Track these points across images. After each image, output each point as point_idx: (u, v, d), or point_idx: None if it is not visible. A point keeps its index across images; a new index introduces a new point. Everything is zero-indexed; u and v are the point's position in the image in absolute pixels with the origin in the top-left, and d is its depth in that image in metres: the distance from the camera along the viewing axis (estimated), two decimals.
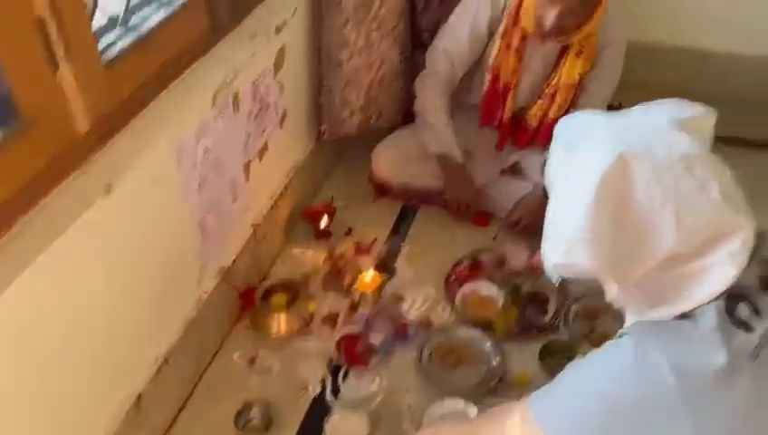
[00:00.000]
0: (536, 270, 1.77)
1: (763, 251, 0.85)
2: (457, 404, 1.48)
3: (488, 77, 1.92)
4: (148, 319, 1.38)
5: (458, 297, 1.77)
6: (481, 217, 2.03)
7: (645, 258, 0.84)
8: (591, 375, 0.88)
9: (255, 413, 1.51)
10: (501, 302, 1.74)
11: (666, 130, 0.87)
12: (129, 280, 1.29)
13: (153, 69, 1.35)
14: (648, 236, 0.83)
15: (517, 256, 1.85)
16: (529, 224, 1.88)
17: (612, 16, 1.81)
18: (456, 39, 1.91)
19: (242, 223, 1.72)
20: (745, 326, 0.80)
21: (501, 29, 1.84)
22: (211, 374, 1.62)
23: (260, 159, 1.74)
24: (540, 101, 1.91)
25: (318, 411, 1.53)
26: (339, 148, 2.25)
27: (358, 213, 2.08)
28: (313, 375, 1.60)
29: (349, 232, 2.00)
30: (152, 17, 1.37)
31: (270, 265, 1.90)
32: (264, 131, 1.73)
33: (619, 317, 0.98)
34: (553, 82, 1.87)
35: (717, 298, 0.82)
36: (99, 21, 1.26)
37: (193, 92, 1.40)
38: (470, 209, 1.99)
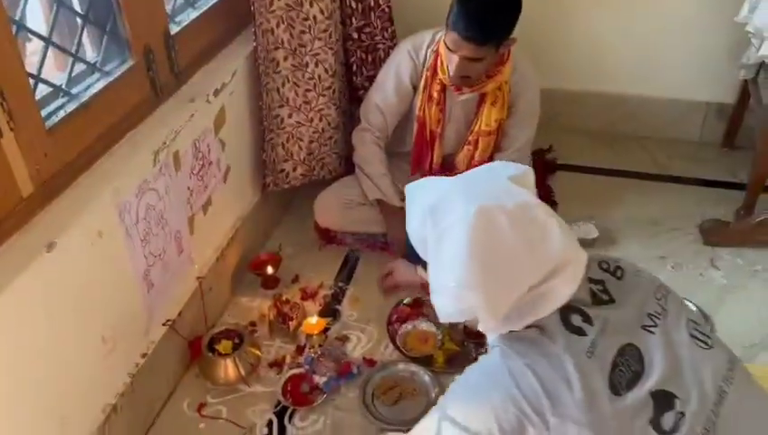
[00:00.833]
0: None
1: (590, 273, 1.08)
2: None
3: (416, 126, 2.06)
4: (96, 370, 1.43)
5: (399, 335, 1.87)
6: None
7: (513, 292, 1.00)
8: (469, 375, 1.10)
9: None
10: (439, 337, 1.84)
11: (506, 184, 1.05)
12: (74, 333, 1.35)
13: (96, 133, 1.45)
14: (513, 274, 0.99)
15: None
16: (403, 282, 1.83)
17: (523, 67, 1.98)
18: (384, 93, 2.05)
19: (188, 275, 1.79)
20: (579, 331, 1.01)
21: (422, 82, 1.99)
22: (161, 423, 1.67)
23: (204, 213, 1.83)
24: (466, 147, 2.06)
25: None
26: (286, 198, 2.35)
27: (305, 260, 2.17)
28: (260, 418, 1.66)
29: (296, 279, 2.09)
30: (95, 85, 1.47)
31: (218, 315, 1.96)
32: (206, 187, 1.82)
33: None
34: (475, 129, 2.02)
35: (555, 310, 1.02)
36: (43, 91, 1.36)
37: (134, 153, 1.50)
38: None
